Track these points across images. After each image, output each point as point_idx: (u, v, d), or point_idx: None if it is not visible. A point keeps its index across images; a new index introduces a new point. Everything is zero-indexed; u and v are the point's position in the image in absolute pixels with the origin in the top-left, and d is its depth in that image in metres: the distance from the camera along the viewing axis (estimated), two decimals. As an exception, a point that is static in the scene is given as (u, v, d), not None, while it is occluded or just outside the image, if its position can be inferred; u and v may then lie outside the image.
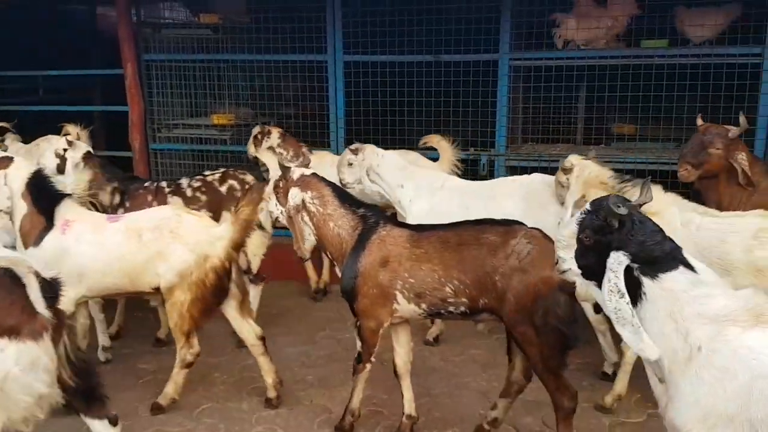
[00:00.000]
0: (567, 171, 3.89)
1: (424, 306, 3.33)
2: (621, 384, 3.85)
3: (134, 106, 6.66)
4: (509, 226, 3.20)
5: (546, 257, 2.94)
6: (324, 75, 6.18)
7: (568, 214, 3.54)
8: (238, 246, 3.87)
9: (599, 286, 2.34)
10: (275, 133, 5.83)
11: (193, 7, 7.12)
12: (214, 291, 3.76)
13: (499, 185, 4.70)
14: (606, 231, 2.30)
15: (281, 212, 3.66)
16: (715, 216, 3.59)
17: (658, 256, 2.26)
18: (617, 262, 2.26)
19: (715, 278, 2.28)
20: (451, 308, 3.27)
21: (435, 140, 5.36)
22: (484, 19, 5.62)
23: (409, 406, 3.63)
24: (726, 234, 3.38)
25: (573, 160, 3.89)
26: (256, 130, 5.90)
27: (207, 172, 5.04)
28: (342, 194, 3.62)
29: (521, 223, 3.28)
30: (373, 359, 3.57)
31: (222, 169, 5.08)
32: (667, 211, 3.56)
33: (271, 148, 5.69)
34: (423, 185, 4.64)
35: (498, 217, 3.42)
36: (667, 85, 5.28)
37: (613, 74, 5.46)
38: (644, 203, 2.38)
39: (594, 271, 2.37)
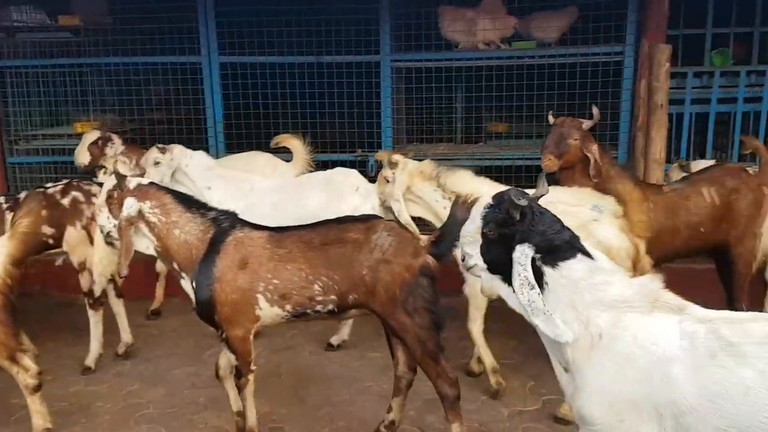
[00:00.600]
0: (393, 166, 4.14)
1: (288, 308, 3.24)
2: (484, 353, 4.02)
3: (-16, 116, 6.02)
4: (368, 221, 3.30)
5: (405, 246, 3.18)
6: (199, 77, 5.88)
7: (401, 206, 4.08)
8: (18, 262, 3.51)
9: (505, 280, 2.37)
10: (117, 140, 5.49)
11: (50, 9, 6.54)
12: (4, 311, 3.44)
13: (303, 181, 4.79)
14: (509, 223, 2.32)
15: (114, 225, 3.38)
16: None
17: (558, 245, 2.29)
18: (524, 254, 2.28)
19: (611, 265, 2.34)
20: (319, 307, 3.25)
21: (287, 140, 5.30)
22: (365, 20, 5.59)
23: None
24: None
25: (397, 156, 4.20)
26: (91, 136, 5.49)
27: (49, 184, 4.56)
28: (187, 199, 3.43)
29: (378, 217, 3.45)
30: (253, 368, 3.41)
31: (65, 180, 4.60)
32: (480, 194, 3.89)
33: (113, 156, 5.34)
34: (231, 187, 4.60)
35: (302, 209, 3.79)
36: (538, 84, 5.53)
37: (489, 75, 5.63)
38: (541, 195, 2.44)
39: (500, 265, 2.37)
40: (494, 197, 2.40)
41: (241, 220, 3.39)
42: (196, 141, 6.05)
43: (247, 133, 5.96)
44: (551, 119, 4.02)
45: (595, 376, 2.19)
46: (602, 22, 5.37)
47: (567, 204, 3.72)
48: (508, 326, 4.71)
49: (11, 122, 6.21)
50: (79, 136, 6.13)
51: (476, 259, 2.43)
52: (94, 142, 5.47)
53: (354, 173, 4.71)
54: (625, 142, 5.46)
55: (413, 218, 4.14)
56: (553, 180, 4.06)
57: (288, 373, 3.43)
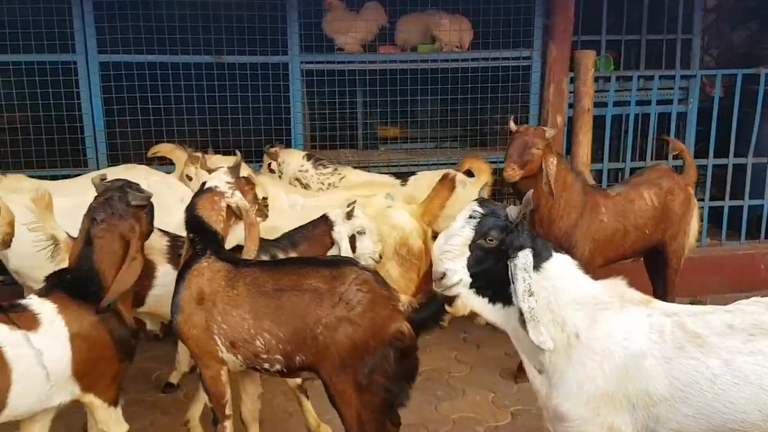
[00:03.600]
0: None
1: (240, 357, 2.82)
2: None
3: None
4: (337, 268, 2.74)
5: (378, 305, 2.65)
6: (74, 78, 5.02)
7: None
8: None
9: (480, 292, 2.37)
10: None
11: None
12: None
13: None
14: (509, 230, 2.33)
15: None
16: (314, 196, 4.46)
17: (540, 247, 2.37)
18: (528, 260, 2.31)
19: (575, 264, 2.43)
20: (266, 365, 2.78)
21: (167, 150, 4.85)
22: (270, 18, 5.14)
23: None
24: (325, 208, 3.75)
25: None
26: None
27: None
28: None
29: (352, 262, 2.87)
30: (228, 413, 2.96)
31: None
32: (277, 195, 4.19)
33: None
34: None
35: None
36: (432, 88, 5.48)
37: (383, 78, 5.47)
38: (528, 208, 2.39)
39: (490, 277, 2.35)
40: (483, 206, 2.37)
41: (217, 243, 2.90)
42: (72, 153, 5.20)
43: (134, 144, 5.20)
44: (512, 126, 3.91)
45: (574, 374, 2.28)
46: (506, 27, 5.42)
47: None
48: (442, 337, 4.68)
49: None
50: None
51: (461, 274, 2.34)
52: None
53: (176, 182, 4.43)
54: (534, 144, 5.56)
55: None
56: (514, 190, 4.00)
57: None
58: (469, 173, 5.01)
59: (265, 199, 3.18)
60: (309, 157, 5.11)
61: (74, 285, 2.73)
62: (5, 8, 4.84)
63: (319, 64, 5.34)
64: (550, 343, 2.25)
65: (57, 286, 2.73)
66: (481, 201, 2.41)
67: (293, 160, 5.08)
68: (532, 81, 5.50)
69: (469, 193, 4.55)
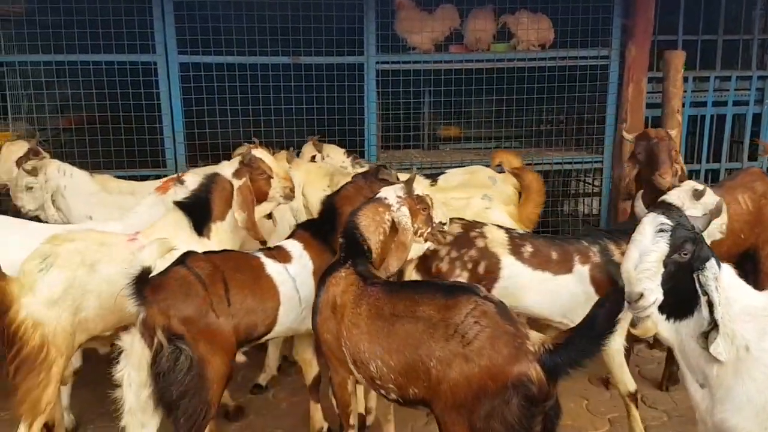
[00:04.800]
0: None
1: (361, 377, 2.73)
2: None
3: None
4: (454, 295, 2.47)
5: (499, 342, 2.32)
6: (154, 79, 5.04)
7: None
8: None
9: (662, 310, 2.28)
10: (46, 155, 4.55)
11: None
12: None
13: None
14: (697, 241, 2.26)
15: None
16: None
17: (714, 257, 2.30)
18: (716, 270, 2.25)
19: (737, 274, 2.37)
20: (382, 391, 2.64)
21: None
22: (348, 19, 5.11)
23: None
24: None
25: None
26: (17, 149, 4.49)
27: None
28: None
29: (472, 290, 2.53)
30: (353, 422, 2.95)
31: None
32: None
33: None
34: (116, 214, 3.98)
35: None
36: (498, 88, 5.36)
37: (449, 78, 5.42)
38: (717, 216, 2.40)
39: (675, 292, 2.27)
40: (669, 215, 2.26)
41: (359, 253, 2.85)
42: (151, 154, 5.23)
43: (212, 144, 5.22)
44: (627, 135, 3.86)
45: (743, 387, 2.25)
46: (583, 26, 5.33)
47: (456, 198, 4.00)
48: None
49: None
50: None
51: (656, 293, 2.25)
52: (24, 157, 4.44)
53: None
54: (609, 145, 5.50)
55: None
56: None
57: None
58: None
59: (442, 224, 3.08)
60: (349, 154, 5.10)
61: (318, 231, 3.31)
62: (86, 8, 4.85)
63: (394, 64, 5.30)
64: (725, 355, 2.22)
65: (304, 229, 3.35)
66: (664, 210, 2.31)
67: (336, 155, 5.07)
68: (610, 81, 5.41)
69: (500, 189, 4.48)
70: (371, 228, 2.89)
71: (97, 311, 3.01)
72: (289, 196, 3.53)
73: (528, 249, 3.38)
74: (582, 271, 3.32)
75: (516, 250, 3.38)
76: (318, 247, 3.25)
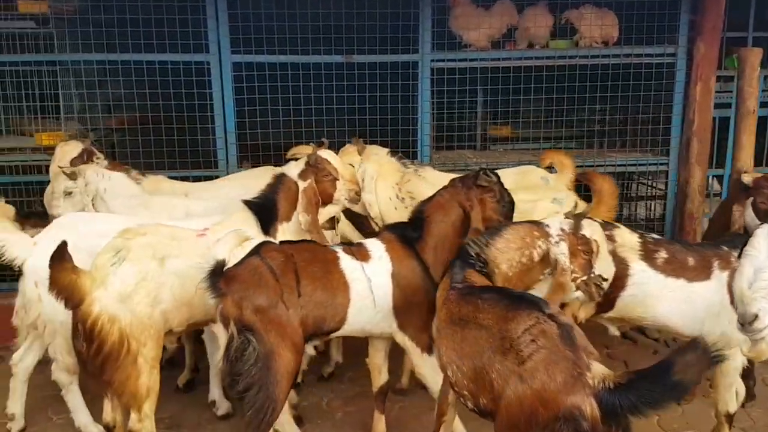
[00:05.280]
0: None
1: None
2: None
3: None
4: (516, 307, 2.31)
5: (555, 367, 2.12)
6: (207, 79, 4.96)
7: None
8: None
9: None
10: (101, 155, 4.48)
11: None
12: None
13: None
14: None
15: None
16: None
17: None
18: None
19: None
20: (461, 399, 2.52)
21: (306, 151, 4.56)
22: (403, 16, 4.97)
23: None
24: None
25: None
26: (71, 150, 4.39)
27: None
28: None
29: (537, 305, 2.32)
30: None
31: None
32: None
33: None
34: (162, 217, 3.83)
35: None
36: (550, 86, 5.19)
37: (505, 77, 5.23)
38: None
39: None
40: None
41: (466, 258, 2.73)
42: (203, 155, 5.17)
43: (263, 145, 5.13)
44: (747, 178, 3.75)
45: None
46: (649, 22, 5.09)
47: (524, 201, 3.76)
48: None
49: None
50: (44, 149, 5.05)
51: None
52: (78, 157, 4.39)
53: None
54: (676, 147, 5.25)
55: None
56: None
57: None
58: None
59: (603, 279, 2.80)
60: (393, 154, 4.92)
61: (404, 235, 3.20)
62: (140, 6, 4.81)
63: (450, 62, 5.13)
64: None
65: (390, 231, 3.26)
66: None
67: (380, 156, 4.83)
68: (676, 79, 5.17)
69: (552, 189, 4.27)
70: (514, 245, 2.73)
71: (173, 304, 3.01)
72: (355, 199, 3.41)
73: (662, 255, 3.18)
74: (722, 277, 3.06)
75: (648, 256, 3.19)
76: (401, 252, 3.15)
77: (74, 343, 2.87)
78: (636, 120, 5.53)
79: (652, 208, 6.04)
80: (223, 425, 3.84)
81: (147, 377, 2.90)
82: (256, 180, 4.43)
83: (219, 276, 2.73)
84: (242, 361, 2.72)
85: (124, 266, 2.88)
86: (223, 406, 3.85)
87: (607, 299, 3.13)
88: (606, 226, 3.26)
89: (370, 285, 3.05)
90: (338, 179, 3.35)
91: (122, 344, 2.80)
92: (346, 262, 3.05)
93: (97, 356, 2.78)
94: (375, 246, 3.18)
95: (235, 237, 2.81)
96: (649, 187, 6.01)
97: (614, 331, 3.71)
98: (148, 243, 2.99)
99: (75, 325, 2.81)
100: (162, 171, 4.86)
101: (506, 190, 3.14)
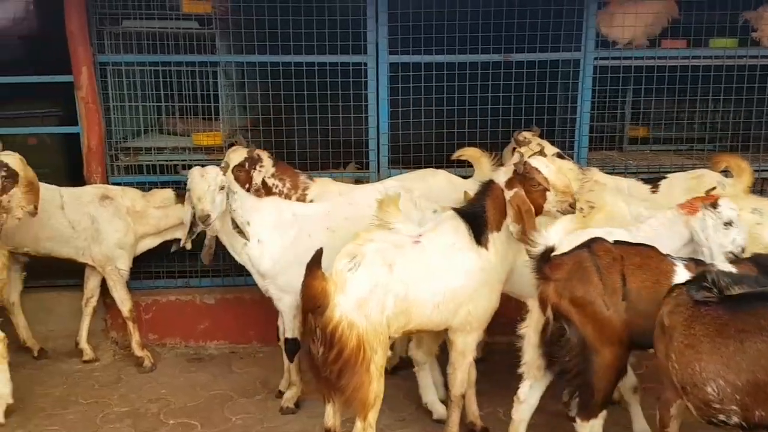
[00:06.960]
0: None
1: (691, 405, 2.61)
2: None
3: (92, 126, 4.93)
4: None
5: None
6: (364, 80, 4.93)
7: None
8: None
9: None
10: (267, 159, 4.42)
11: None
12: None
13: (358, 198, 4.02)
14: None
15: None
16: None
17: None
18: None
19: None
20: (721, 416, 2.53)
21: (470, 154, 4.51)
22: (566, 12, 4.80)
23: None
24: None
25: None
26: (236, 156, 4.37)
27: None
28: None
29: None
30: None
31: None
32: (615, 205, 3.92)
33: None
34: (270, 218, 3.86)
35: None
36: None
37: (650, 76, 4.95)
38: None
39: None
40: None
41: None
42: (356, 156, 5.16)
43: (415, 146, 5.06)
44: None
45: None
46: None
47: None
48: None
49: (113, 132, 5.09)
50: (201, 149, 5.14)
51: None
52: (241, 164, 4.36)
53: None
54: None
55: None
56: None
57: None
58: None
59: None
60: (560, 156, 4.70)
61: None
62: (303, 8, 4.80)
63: (614, 60, 4.92)
64: None
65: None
66: None
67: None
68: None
69: (748, 199, 3.95)
70: None
71: (394, 310, 3.00)
72: (568, 210, 3.19)
73: None
74: None
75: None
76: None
77: (310, 348, 2.87)
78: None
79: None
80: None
81: (377, 384, 2.90)
82: (421, 182, 4.39)
83: (546, 260, 2.91)
84: (559, 346, 2.92)
85: (359, 272, 2.88)
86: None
87: None
88: None
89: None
90: (549, 189, 3.18)
91: (360, 350, 2.79)
92: (682, 277, 2.86)
93: (335, 362, 2.78)
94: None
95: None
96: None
97: None
98: (377, 249, 2.99)
99: (313, 330, 2.81)
100: (314, 172, 4.85)
101: None
